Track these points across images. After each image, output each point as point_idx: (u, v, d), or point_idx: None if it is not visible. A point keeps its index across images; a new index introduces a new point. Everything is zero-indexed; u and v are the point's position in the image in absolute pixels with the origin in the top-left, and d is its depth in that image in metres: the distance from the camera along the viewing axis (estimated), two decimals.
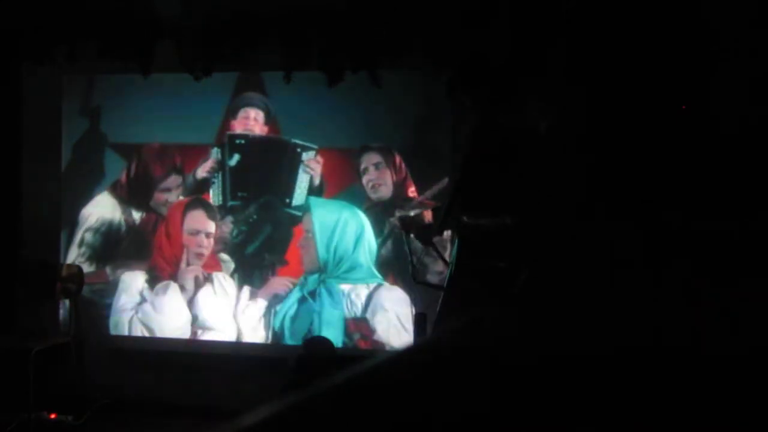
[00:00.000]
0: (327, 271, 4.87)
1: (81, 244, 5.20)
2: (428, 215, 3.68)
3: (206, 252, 5.06)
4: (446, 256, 4.04)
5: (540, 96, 3.63)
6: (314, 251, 4.89)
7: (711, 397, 0.93)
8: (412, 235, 3.75)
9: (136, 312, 5.10)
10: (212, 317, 5.03)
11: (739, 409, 0.92)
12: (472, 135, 3.35)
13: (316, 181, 4.93)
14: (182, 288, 5.06)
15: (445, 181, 4.70)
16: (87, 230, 5.20)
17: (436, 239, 3.83)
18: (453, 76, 3.46)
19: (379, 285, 4.82)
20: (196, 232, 5.08)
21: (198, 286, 5.05)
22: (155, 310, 5.09)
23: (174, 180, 5.12)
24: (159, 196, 5.13)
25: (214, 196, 5.07)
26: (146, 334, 5.07)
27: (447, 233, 3.79)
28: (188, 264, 5.07)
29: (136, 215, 5.15)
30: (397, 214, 4.65)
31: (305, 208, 4.93)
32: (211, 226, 5.07)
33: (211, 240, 5.06)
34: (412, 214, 4.23)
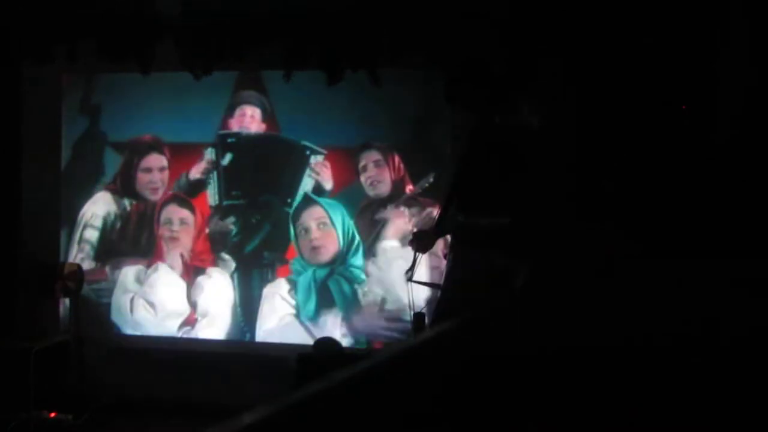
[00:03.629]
0: (340, 263, 4.88)
1: (80, 241, 5.21)
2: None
3: (179, 236, 5.09)
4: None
5: (537, 97, 3.64)
6: (335, 240, 4.89)
7: (700, 388, 0.94)
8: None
9: (137, 292, 5.13)
10: (210, 302, 5.06)
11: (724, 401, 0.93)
12: (469, 136, 3.35)
13: (324, 185, 4.93)
14: (171, 267, 5.09)
15: (431, 177, 4.74)
16: (86, 228, 5.21)
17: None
18: (451, 79, 3.47)
19: (362, 282, 4.85)
20: (168, 221, 5.13)
21: (186, 265, 5.09)
22: (154, 287, 5.12)
23: (155, 159, 5.14)
24: (142, 177, 5.15)
25: (210, 197, 5.08)
26: (149, 310, 5.09)
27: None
28: (168, 249, 5.13)
29: (130, 207, 5.18)
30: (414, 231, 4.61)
31: (306, 204, 4.93)
32: (185, 214, 5.11)
33: (189, 227, 5.08)
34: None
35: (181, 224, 5.12)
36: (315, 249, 4.92)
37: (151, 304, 5.12)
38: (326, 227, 4.91)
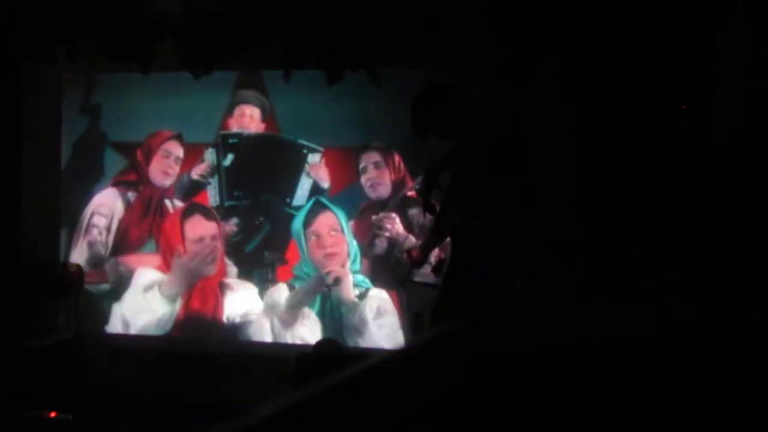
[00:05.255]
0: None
1: (88, 227, 5.21)
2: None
3: (218, 254, 5.03)
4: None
5: (534, 100, 3.64)
6: (346, 245, 4.87)
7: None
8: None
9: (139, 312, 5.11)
10: (242, 314, 5.04)
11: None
12: (463, 143, 3.34)
13: (321, 184, 4.93)
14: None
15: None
16: (91, 223, 5.21)
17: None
18: (417, 108, 3.43)
19: (367, 289, 4.83)
20: (201, 239, 5.06)
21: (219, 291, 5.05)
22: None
23: (176, 147, 5.13)
24: (158, 159, 5.13)
25: (211, 197, 5.08)
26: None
27: None
28: (201, 273, 5.03)
29: (134, 199, 5.16)
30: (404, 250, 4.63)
31: (317, 209, 4.91)
32: (213, 227, 5.06)
33: (217, 242, 5.04)
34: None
35: (213, 239, 5.05)
36: (329, 256, 4.89)
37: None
38: (337, 233, 4.89)
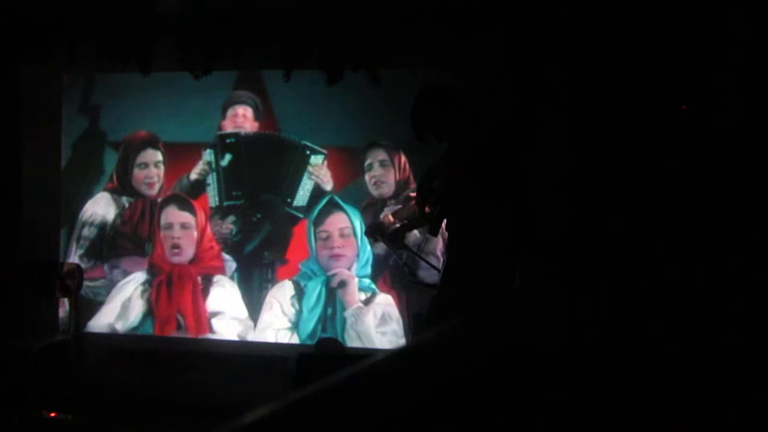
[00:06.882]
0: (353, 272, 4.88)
1: (79, 239, 5.21)
2: (390, 218, 3.72)
3: (183, 243, 5.06)
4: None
5: (535, 99, 3.64)
6: (355, 249, 4.86)
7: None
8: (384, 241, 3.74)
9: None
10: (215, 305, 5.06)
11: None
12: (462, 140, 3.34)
13: (324, 185, 4.92)
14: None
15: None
16: (85, 226, 5.20)
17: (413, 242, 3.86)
18: (413, 115, 3.45)
19: (374, 294, 4.82)
20: (169, 226, 5.10)
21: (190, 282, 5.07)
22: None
23: (150, 154, 5.14)
24: (138, 174, 5.15)
25: (211, 198, 5.08)
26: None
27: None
28: (166, 257, 5.08)
29: (128, 205, 5.17)
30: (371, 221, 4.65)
31: (330, 209, 4.91)
32: (187, 218, 5.07)
33: (192, 232, 5.06)
34: (380, 218, 4.17)
35: (183, 228, 5.08)
36: (335, 257, 4.87)
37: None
38: (347, 236, 4.88)
